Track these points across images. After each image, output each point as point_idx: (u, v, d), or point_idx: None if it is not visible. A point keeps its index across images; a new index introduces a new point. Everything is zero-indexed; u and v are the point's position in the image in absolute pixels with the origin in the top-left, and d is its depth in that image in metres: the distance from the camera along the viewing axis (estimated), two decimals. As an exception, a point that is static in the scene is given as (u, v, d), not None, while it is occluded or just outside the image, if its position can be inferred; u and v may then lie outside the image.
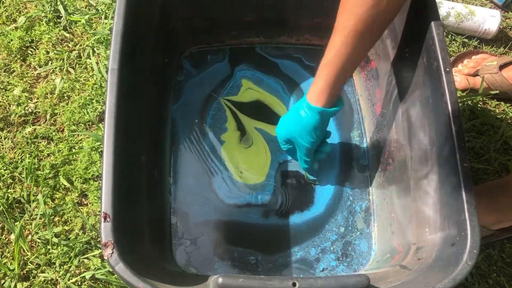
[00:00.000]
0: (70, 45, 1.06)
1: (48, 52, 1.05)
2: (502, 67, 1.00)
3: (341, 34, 0.65)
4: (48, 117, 0.98)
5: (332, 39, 0.67)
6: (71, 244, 0.87)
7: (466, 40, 1.09)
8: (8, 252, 0.87)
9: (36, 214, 0.89)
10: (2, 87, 1.01)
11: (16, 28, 1.07)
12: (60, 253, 0.87)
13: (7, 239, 0.89)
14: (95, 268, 0.86)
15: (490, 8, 1.12)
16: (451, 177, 0.62)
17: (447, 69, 0.64)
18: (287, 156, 0.89)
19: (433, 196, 0.66)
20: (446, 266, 0.58)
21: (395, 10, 0.65)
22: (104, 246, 0.54)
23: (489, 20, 1.06)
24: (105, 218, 0.55)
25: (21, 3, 1.10)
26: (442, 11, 1.06)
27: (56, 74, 1.03)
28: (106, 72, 0.99)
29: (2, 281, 0.85)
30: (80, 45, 1.05)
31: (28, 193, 0.91)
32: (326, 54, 0.68)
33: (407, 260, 0.68)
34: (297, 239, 0.84)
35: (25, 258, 0.87)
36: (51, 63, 1.04)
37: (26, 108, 0.99)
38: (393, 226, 0.77)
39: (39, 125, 0.98)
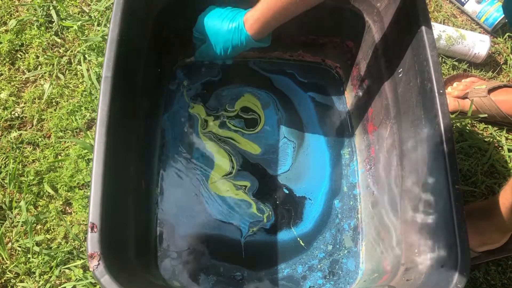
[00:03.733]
0: (61, 50, 1.05)
1: (38, 57, 1.03)
2: (490, 91, 1.01)
3: None
4: (35, 122, 0.96)
5: None
6: (52, 254, 0.85)
7: (456, 63, 1.11)
8: (-14, 260, 0.85)
9: (18, 221, 0.87)
10: (-12, 90, 0.99)
11: (6, 31, 1.05)
12: (41, 263, 0.84)
13: (-14, 246, 0.86)
14: (77, 279, 0.83)
15: (480, 33, 1.14)
16: (442, 199, 0.62)
17: (441, 91, 0.65)
18: (277, 171, 0.89)
19: (423, 217, 0.66)
20: (435, 288, 0.58)
21: None
22: (90, 257, 0.53)
23: (479, 44, 1.08)
24: (92, 228, 0.54)
25: (13, 6, 1.08)
26: (434, 37, 1.07)
27: (45, 79, 1.01)
28: (97, 79, 0.99)
29: (-21, 290, 0.82)
30: (71, 51, 1.04)
31: (10, 199, 0.89)
32: None
33: (396, 281, 0.67)
34: (284, 256, 0.83)
35: (3, 267, 0.84)
36: (41, 68, 1.02)
37: (13, 113, 0.97)
38: (382, 245, 0.77)
39: (25, 130, 0.96)
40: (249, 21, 0.76)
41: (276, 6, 0.72)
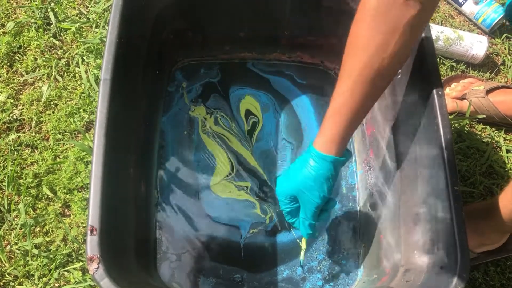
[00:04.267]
0: (59, 52, 1.04)
1: (36, 59, 1.03)
2: (488, 91, 1.01)
3: (349, 79, 0.62)
4: (33, 124, 0.96)
5: (338, 85, 0.63)
6: (51, 256, 0.85)
7: (454, 64, 1.11)
8: (-15, 263, 0.85)
9: (16, 224, 0.87)
10: (-14, 93, 0.99)
11: (4, 33, 1.05)
12: (40, 265, 0.84)
13: (-16, 249, 0.86)
14: (76, 281, 0.83)
15: (477, 34, 1.14)
16: (441, 200, 0.62)
17: (440, 93, 0.65)
18: (276, 172, 0.89)
19: (422, 218, 0.67)
20: (434, 289, 0.58)
21: (400, 58, 0.62)
22: (90, 260, 0.53)
23: (476, 45, 1.08)
24: (91, 231, 0.54)
25: (11, 8, 1.08)
26: (432, 38, 1.08)
27: (43, 81, 1.01)
28: (95, 81, 0.99)
29: (-22, 293, 0.82)
30: (69, 53, 1.04)
31: (9, 202, 0.89)
32: (334, 100, 0.64)
33: (395, 282, 0.67)
34: (283, 257, 0.83)
35: (2, 270, 0.84)
36: (39, 70, 1.02)
37: (11, 115, 0.97)
38: (381, 247, 0.77)
39: (24, 132, 0.96)
40: (323, 146, 0.65)
41: (345, 117, 0.63)
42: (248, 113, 0.94)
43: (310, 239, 0.78)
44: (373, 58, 0.60)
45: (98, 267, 0.52)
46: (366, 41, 0.60)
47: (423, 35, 0.69)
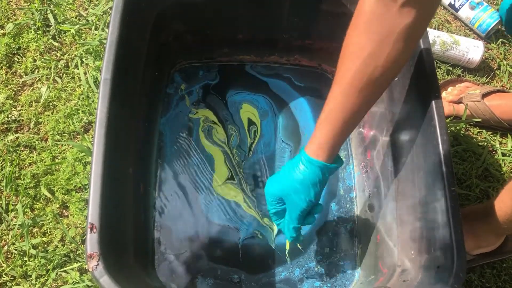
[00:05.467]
0: (58, 54, 1.05)
1: (35, 60, 1.03)
2: (484, 95, 1.02)
3: (340, 86, 0.61)
4: (31, 125, 0.96)
5: (332, 90, 0.63)
6: (49, 257, 0.85)
7: (451, 68, 1.12)
8: (-18, 263, 0.85)
9: (14, 224, 0.87)
10: (-15, 93, 0.99)
11: (4, 34, 1.05)
12: (37, 266, 0.84)
13: (-18, 249, 0.86)
14: (73, 282, 0.83)
15: (473, 38, 1.15)
16: (438, 200, 0.63)
17: (436, 94, 0.66)
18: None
19: (419, 219, 0.67)
20: (431, 289, 0.58)
21: (394, 68, 0.60)
22: (89, 257, 0.53)
23: (472, 50, 1.10)
24: (91, 229, 0.54)
25: (10, 10, 1.09)
26: (429, 42, 1.09)
27: (42, 82, 1.01)
28: (94, 82, 0.99)
29: (-25, 293, 0.82)
30: (69, 55, 1.04)
31: (6, 202, 0.89)
32: (326, 106, 0.64)
33: (392, 282, 0.68)
34: (281, 258, 0.83)
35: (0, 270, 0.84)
36: (38, 71, 1.02)
37: (10, 116, 0.97)
38: (378, 248, 0.78)
39: (22, 133, 0.96)
40: (313, 150, 0.65)
41: (336, 122, 0.63)
42: (250, 122, 0.94)
43: (293, 243, 0.78)
44: (365, 66, 0.58)
45: (98, 264, 0.53)
46: (359, 48, 0.59)
47: (421, 43, 0.70)
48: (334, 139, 0.64)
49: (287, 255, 0.82)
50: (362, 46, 0.58)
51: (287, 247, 0.79)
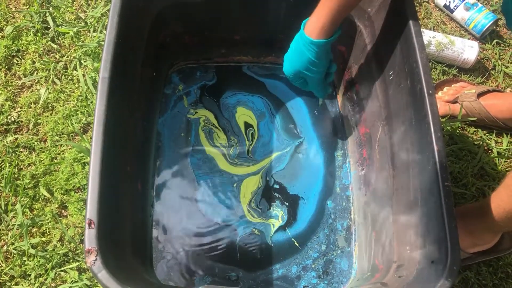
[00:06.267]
0: (57, 56, 1.06)
1: (34, 62, 1.04)
2: (480, 95, 1.03)
3: None
4: (31, 126, 0.97)
5: None
6: (48, 256, 0.85)
7: (446, 69, 1.13)
8: (-18, 262, 0.85)
9: (13, 225, 0.88)
10: (-15, 95, 1.00)
11: (3, 37, 1.06)
12: (36, 265, 0.85)
13: (-19, 249, 0.86)
14: (72, 281, 0.84)
15: (468, 39, 1.16)
16: (432, 196, 0.63)
17: (430, 92, 0.66)
18: (271, 173, 0.90)
19: (414, 215, 0.68)
20: (426, 283, 0.59)
21: None
22: (88, 252, 0.53)
23: (468, 50, 1.11)
24: (89, 225, 0.55)
25: (9, 13, 1.10)
26: (423, 40, 1.10)
27: (41, 84, 1.02)
28: (93, 84, 1.00)
29: (-26, 292, 0.82)
30: (67, 57, 1.05)
31: (6, 202, 0.90)
32: None
33: (388, 278, 0.68)
34: (278, 256, 0.84)
35: (-1, 269, 0.85)
36: (37, 73, 1.03)
37: (9, 117, 0.98)
38: (374, 244, 0.78)
39: (21, 134, 0.97)
40: (314, 32, 0.73)
41: (337, 5, 0.69)
42: (247, 125, 0.95)
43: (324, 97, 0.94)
44: None
45: (96, 259, 0.53)
46: None
47: (413, 37, 0.71)
48: (336, 20, 0.71)
49: (322, 100, 0.97)
50: None
51: (320, 101, 0.97)
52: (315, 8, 0.71)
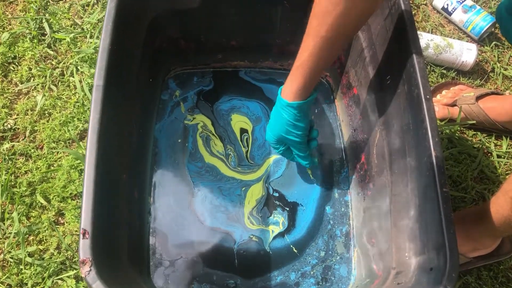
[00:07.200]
0: (53, 62, 1.05)
1: (30, 69, 1.04)
2: (478, 98, 1.03)
3: (313, 39, 0.67)
4: (27, 133, 0.97)
5: (304, 41, 0.69)
6: (45, 264, 0.85)
7: (445, 71, 1.13)
8: (-22, 271, 0.85)
9: (10, 233, 0.87)
10: (-19, 102, 1.00)
11: (-1, 43, 1.06)
12: (33, 274, 0.84)
13: (-22, 258, 0.86)
14: (69, 289, 0.83)
15: (467, 41, 1.16)
16: (430, 202, 0.63)
17: (427, 96, 0.66)
18: (269, 178, 0.89)
19: (413, 221, 0.67)
20: (425, 290, 0.58)
21: (364, 17, 0.68)
22: (82, 263, 0.53)
23: (466, 53, 1.10)
24: (84, 235, 0.54)
25: (5, 20, 1.09)
26: (421, 43, 1.09)
27: (38, 91, 1.02)
28: (89, 90, 1.00)
29: (-30, 302, 0.82)
30: (64, 63, 1.05)
31: (2, 210, 0.89)
32: (299, 56, 0.70)
33: (387, 285, 0.68)
34: (277, 263, 0.83)
35: (-4, 278, 0.84)
36: (33, 80, 1.03)
37: (5, 124, 0.97)
38: (373, 250, 0.78)
39: (18, 141, 0.96)
40: (290, 95, 0.74)
41: (310, 69, 0.70)
42: (242, 131, 0.95)
43: (312, 166, 0.90)
44: (338, 21, 0.63)
45: (90, 270, 0.53)
46: (332, 4, 0.62)
47: (410, 41, 0.70)
48: (309, 82, 0.72)
49: (311, 172, 0.92)
50: (336, 2, 0.62)
51: (309, 172, 0.92)
52: (309, 12, 0.70)
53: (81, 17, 1.12)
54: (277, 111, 0.78)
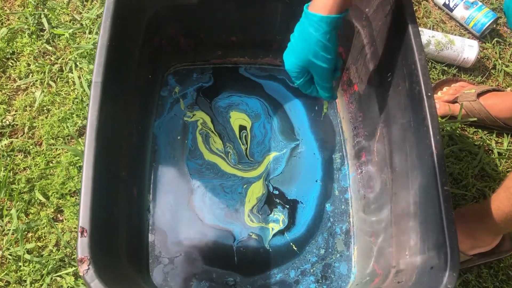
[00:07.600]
0: (52, 58, 1.05)
1: (29, 65, 1.03)
2: (480, 95, 1.02)
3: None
4: (26, 130, 0.96)
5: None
6: (43, 261, 0.84)
7: (446, 68, 1.12)
8: (-24, 268, 0.84)
9: (9, 230, 0.87)
10: (-21, 98, 0.99)
11: (-3, 39, 1.05)
12: (32, 271, 0.84)
13: (-24, 255, 0.86)
14: (68, 286, 0.83)
15: (468, 38, 1.15)
16: (431, 200, 0.62)
17: (429, 94, 0.65)
18: (269, 175, 0.89)
19: (413, 219, 0.67)
20: (425, 289, 0.58)
21: None
22: (80, 261, 0.52)
23: (467, 49, 1.09)
24: (82, 233, 0.54)
25: (4, 15, 1.09)
26: (422, 39, 1.09)
27: (37, 87, 1.01)
28: (88, 86, 0.99)
29: (-31, 299, 0.81)
30: (63, 59, 1.04)
31: (1, 207, 0.89)
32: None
33: (387, 283, 0.67)
34: (276, 260, 0.83)
35: (-6, 275, 0.84)
36: (32, 76, 1.02)
37: (4, 121, 0.97)
38: (373, 249, 0.77)
39: (16, 138, 0.96)
40: (321, 7, 0.62)
41: None
42: (241, 128, 0.94)
43: (331, 101, 0.87)
44: None
45: (89, 268, 0.52)
46: None
47: (411, 38, 0.70)
48: None
49: (327, 107, 0.91)
50: None
51: (325, 109, 0.88)
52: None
53: (80, 13, 1.11)
54: (303, 29, 0.65)
